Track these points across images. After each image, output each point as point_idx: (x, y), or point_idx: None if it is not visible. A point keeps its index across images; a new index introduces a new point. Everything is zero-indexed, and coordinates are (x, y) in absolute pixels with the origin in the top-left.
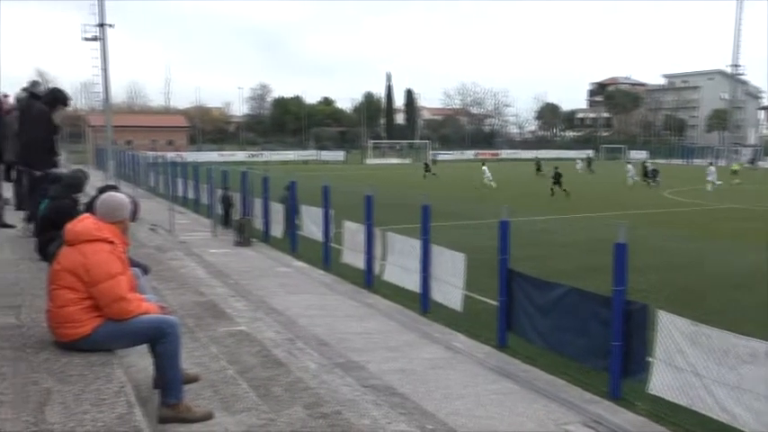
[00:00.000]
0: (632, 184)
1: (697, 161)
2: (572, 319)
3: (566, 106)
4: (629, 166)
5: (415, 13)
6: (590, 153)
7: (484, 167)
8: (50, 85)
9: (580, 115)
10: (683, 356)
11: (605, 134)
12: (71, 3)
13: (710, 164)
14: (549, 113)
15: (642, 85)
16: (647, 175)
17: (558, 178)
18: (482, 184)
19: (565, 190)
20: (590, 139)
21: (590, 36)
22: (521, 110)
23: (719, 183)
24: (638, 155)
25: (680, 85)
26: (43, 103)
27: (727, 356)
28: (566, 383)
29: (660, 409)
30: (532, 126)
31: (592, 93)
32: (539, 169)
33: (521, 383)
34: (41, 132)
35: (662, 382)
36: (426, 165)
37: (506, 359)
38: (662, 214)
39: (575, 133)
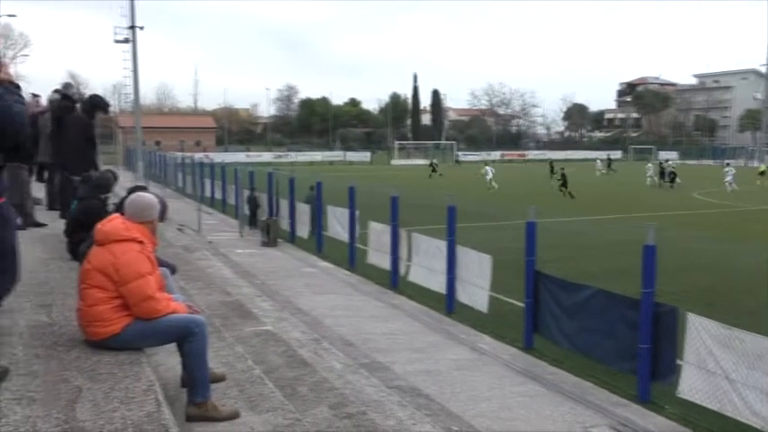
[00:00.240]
0: (650, 185)
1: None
2: (599, 321)
3: (594, 107)
4: (649, 165)
5: (442, 12)
6: (609, 154)
7: (486, 167)
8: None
9: (608, 116)
10: (714, 360)
11: (634, 135)
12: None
13: (727, 164)
14: (576, 114)
15: (672, 84)
16: (664, 176)
17: (564, 180)
18: (487, 185)
19: (570, 193)
20: (618, 139)
21: (619, 35)
22: (548, 110)
23: (735, 186)
24: (668, 155)
25: (711, 84)
26: (82, 110)
27: (761, 360)
28: (593, 386)
29: (689, 413)
30: (560, 127)
31: (621, 93)
32: (552, 171)
33: (547, 386)
34: (80, 141)
35: (692, 385)
36: (432, 165)
37: (532, 361)
38: (691, 216)
39: (603, 134)
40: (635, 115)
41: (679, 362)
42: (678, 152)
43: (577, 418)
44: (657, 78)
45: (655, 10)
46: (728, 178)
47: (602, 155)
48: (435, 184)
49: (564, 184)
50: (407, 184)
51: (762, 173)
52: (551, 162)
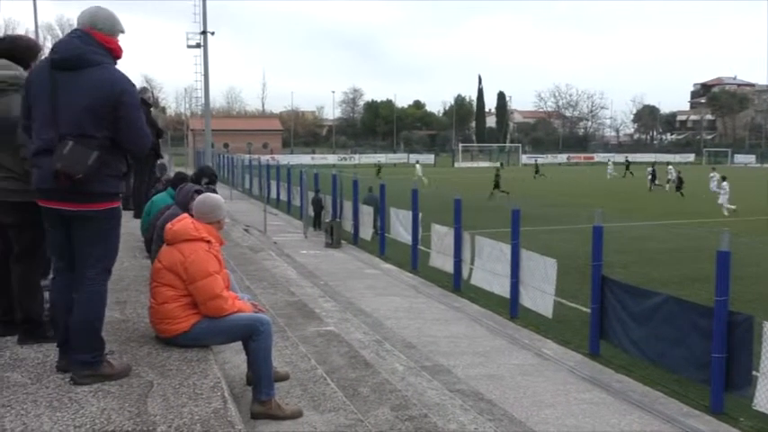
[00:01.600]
0: (650, 188)
1: None
2: (670, 328)
3: (665, 108)
4: (649, 170)
5: (508, 13)
6: (627, 156)
7: (417, 166)
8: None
9: (681, 117)
10: None
11: (708, 137)
12: (178, 12)
13: None
14: (647, 116)
15: (750, 85)
16: (654, 180)
17: (497, 180)
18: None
19: (503, 191)
20: (691, 142)
21: (693, 34)
22: (617, 112)
23: None
24: (745, 159)
25: None
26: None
27: None
28: (662, 395)
29: (766, 427)
30: (629, 129)
31: (694, 94)
32: (537, 171)
33: (614, 394)
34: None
35: None
36: (537, 166)
37: (598, 368)
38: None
39: (675, 136)
40: (709, 117)
41: (755, 373)
42: (756, 155)
43: (645, 427)
44: (734, 78)
45: (731, 7)
46: None
47: (619, 158)
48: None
49: (497, 184)
50: (471, 188)
51: None
52: (537, 163)
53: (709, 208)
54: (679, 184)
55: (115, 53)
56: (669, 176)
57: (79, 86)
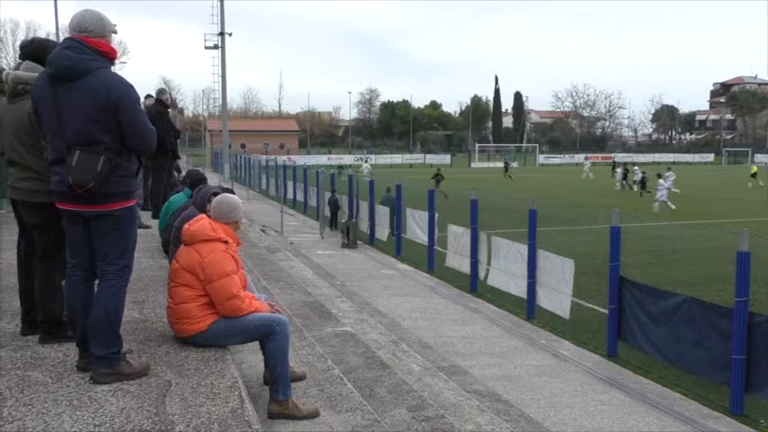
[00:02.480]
0: (620, 190)
1: None
2: (689, 329)
3: (684, 108)
4: (618, 170)
5: (525, 13)
6: (614, 156)
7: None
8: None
9: (700, 117)
10: None
11: (728, 137)
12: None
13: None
14: (665, 115)
15: None
16: (627, 179)
17: (438, 179)
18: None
19: (442, 192)
20: (710, 142)
21: (712, 33)
22: (635, 112)
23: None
24: (766, 159)
25: None
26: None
27: None
28: (681, 397)
29: None
30: (648, 129)
31: (714, 93)
32: (506, 170)
33: (632, 395)
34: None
35: None
36: (506, 164)
37: (616, 369)
38: None
39: (694, 136)
40: (729, 117)
41: None
42: None
43: (665, 429)
44: (755, 78)
45: (752, 6)
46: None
47: (592, 156)
48: (514, 187)
49: (438, 183)
50: (488, 187)
51: (754, 174)
52: (506, 162)
53: (685, 208)
54: (642, 184)
55: (109, 55)
56: (635, 177)
57: (78, 96)
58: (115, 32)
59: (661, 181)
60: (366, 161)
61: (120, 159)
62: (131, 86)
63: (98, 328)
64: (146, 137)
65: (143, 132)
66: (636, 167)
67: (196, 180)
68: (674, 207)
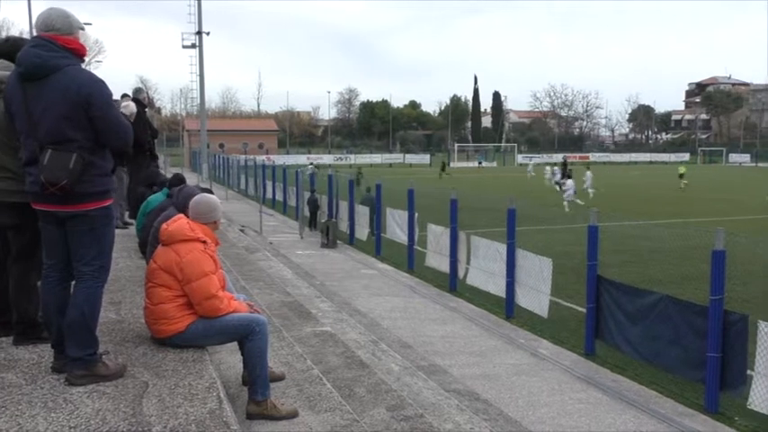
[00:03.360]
0: (550, 187)
1: None
2: (665, 328)
3: (660, 108)
4: (548, 168)
5: (503, 14)
6: (565, 156)
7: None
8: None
9: (676, 117)
10: None
11: (703, 137)
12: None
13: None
14: (642, 115)
15: (745, 84)
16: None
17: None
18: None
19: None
20: (686, 141)
21: (688, 34)
22: (612, 112)
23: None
24: (740, 158)
25: None
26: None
27: None
28: (657, 395)
29: (761, 426)
30: (624, 129)
31: (689, 93)
32: (443, 170)
33: (609, 393)
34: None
35: (764, 397)
36: (443, 164)
37: (594, 367)
38: (763, 220)
39: (670, 136)
40: (704, 116)
41: (750, 372)
42: (750, 155)
43: (641, 427)
44: (729, 78)
45: (726, 7)
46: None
47: (555, 159)
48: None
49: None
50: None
51: (681, 175)
52: (443, 162)
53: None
54: (559, 185)
55: (78, 52)
56: (555, 177)
57: (48, 95)
58: (83, 29)
59: (570, 182)
60: (311, 163)
61: (94, 157)
62: (102, 82)
63: (74, 329)
64: (121, 132)
65: (118, 128)
66: (556, 168)
67: (175, 180)
68: (582, 203)
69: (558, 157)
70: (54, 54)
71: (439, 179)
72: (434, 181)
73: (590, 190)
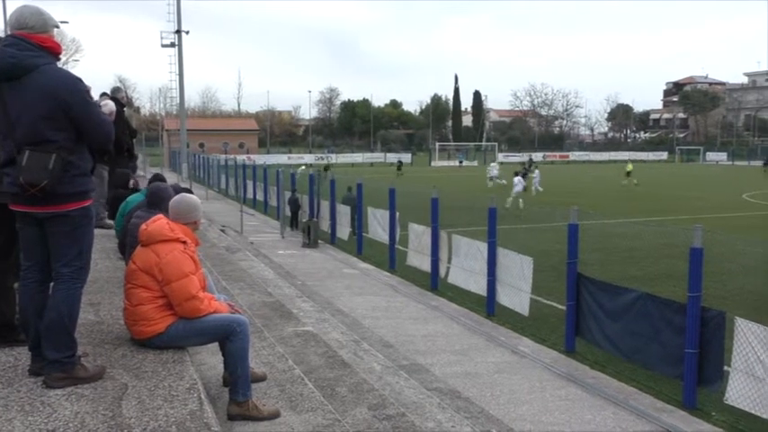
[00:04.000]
0: (492, 186)
1: None
2: (644, 325)
3: (639, 107)
4: (493, 164)
5: (484, 14)
6: (531, 155)
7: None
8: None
9: (654, 116)
10: (763, 366)
11: (681, 136)
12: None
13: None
14: (621, 114)
15: (721, 84)
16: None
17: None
18: None
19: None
20: (664, 140)
21: (666, 34)
22: (592, 111)
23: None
24: (717, 157)
25: (763, 83)
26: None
27: None
28: (636, 391)
29: (738, 421)
30: (604, 128)
31: (667, 93)
32: (398, 169)
33: (589, 390)
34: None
35: (740, 392)
36: (399, 163)
37: (574, 365)
38: (740, 218)
39: (648, 135)
40: (682, 115)
41: (726, 368)
42: (727, 153)
43: (620, 423)
44: (705, 77)
45: (702, 8)
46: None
47: (521, 158)
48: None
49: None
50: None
51: (628, 173)
52: (399, 162)
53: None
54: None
55: (53, 50)
56: (490, 174)
57: (25, 95)
58: (57, 27)
59: (517, 179)
60: (305, 166)
61: (73, 157)
62: (79, 79)
63: (52, 330)
64: (103, 129)
65: (99, 126)
66: (493, 164)
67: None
68: (522, 206)
69: (539, 156)
70: (29, 53)
71: (399, 177)
72: (393, 179)
73: (539, 188)
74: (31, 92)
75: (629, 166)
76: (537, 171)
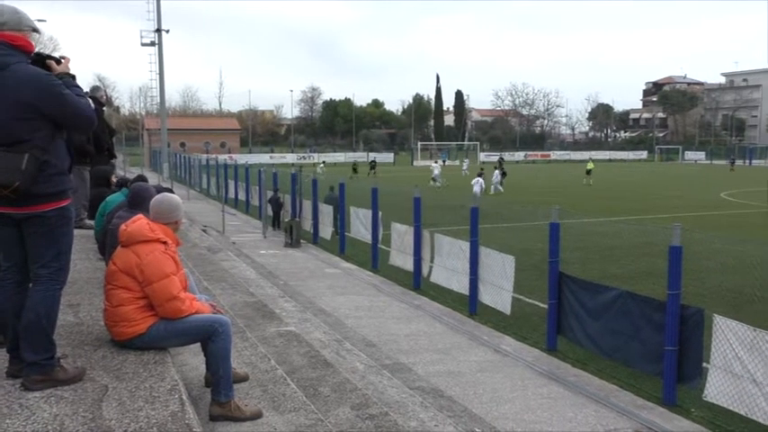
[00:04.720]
0: (439, 187)
1: (756, 162)
2: (624, 323)
3: (619, 107)
4: (435, 164)
5: (465, 14)
6: (501, 155)
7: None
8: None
9: (634, 116)
10: (741, 363)
11: (660, 135)
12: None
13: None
14: (601, 114)
15: (700, 84)
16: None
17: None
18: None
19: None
20: (644, 139)
21: (645, 35)
22: (572, 111)
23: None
24: (695, 156)
25: (740, 83)
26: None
27: None
28: (617, 388)
29: (716, 417)
30: (584, 127)
31: (646, 92)
32: (355, 171)
33: (570, 388)
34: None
35: (718, 389)
36: (373, 162)
37: (556, 363)
38: (718, 217)
39: (628, 134)
40: (661, 115)
41: (705, 365)
42: (705, 152)
43: (601, 420)
44: (684, 78)
45: (682, 8)
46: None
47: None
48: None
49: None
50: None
51: (588, 171)
52: (355, 163)
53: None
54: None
55: (25, 48)
56: (432, 173)
57: None
58: (36, 31)
59: (496, 172)
60: (323, 163)
61: (49, 156)
62: (48, 74)
63: (30, 332)
64: (83, 115)
65: (77, 114)
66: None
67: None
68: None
69: (520, 156)
70: (1, 52)
71: (367, 176)
72: (365, 179)
73: (500, 188)
74: (1, 92)
75: (590, 165)
76: (496, 171)
